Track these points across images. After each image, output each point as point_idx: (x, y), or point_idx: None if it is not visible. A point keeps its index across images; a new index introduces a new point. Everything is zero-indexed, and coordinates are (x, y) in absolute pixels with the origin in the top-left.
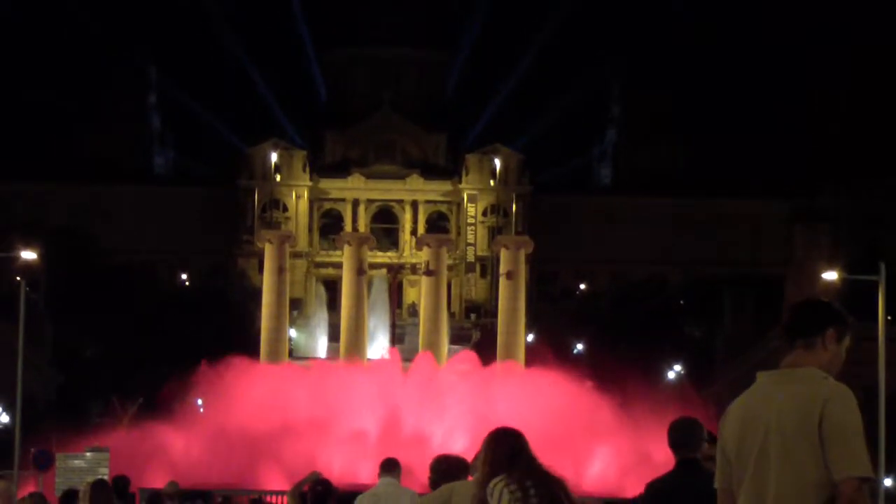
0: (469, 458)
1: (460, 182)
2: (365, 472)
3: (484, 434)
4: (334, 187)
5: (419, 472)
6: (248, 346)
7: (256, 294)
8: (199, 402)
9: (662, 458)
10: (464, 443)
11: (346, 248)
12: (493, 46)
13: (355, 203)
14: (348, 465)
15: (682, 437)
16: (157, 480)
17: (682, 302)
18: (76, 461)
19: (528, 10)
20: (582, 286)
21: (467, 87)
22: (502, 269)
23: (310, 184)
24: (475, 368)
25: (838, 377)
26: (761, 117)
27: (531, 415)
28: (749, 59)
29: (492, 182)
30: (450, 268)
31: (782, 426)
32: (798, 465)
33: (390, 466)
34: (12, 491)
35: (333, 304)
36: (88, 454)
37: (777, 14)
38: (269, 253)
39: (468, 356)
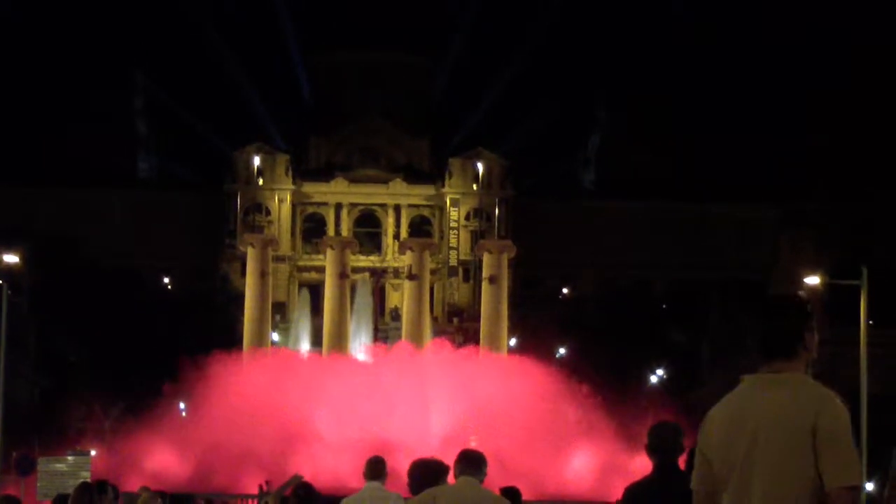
0: (448, 460)
1: (443, 186)
2: (348, 474)
3: (462, 429)
4: (317, 191)
5: (403, 473)
6: (231, 350)
7: (239, 298)
8: (182, 406)
9: (641, 464)
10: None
11: (329, 252)
12: (479, 51)
13: (338, 207)
14: (331, 468)
15: (661, 441)
16: (140, 485)
17: (664, 306)
18: (58, 465)
19: (514, 16)
20: (566, 291)
21: (452, 92)
22: (485, 273)
23: (293, 188)
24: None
25: (818, 377)
26: (748, 121)
27: (510, 414)
28: (737, 63)
29: (475, 186)
30: (432, 272)
31: (771, 433)
32: (786, 473)
33: (376, 470)
34: None
35: (316, 309)
36: (70, 458)
37: (767, 18)
38: (251, 257)
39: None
